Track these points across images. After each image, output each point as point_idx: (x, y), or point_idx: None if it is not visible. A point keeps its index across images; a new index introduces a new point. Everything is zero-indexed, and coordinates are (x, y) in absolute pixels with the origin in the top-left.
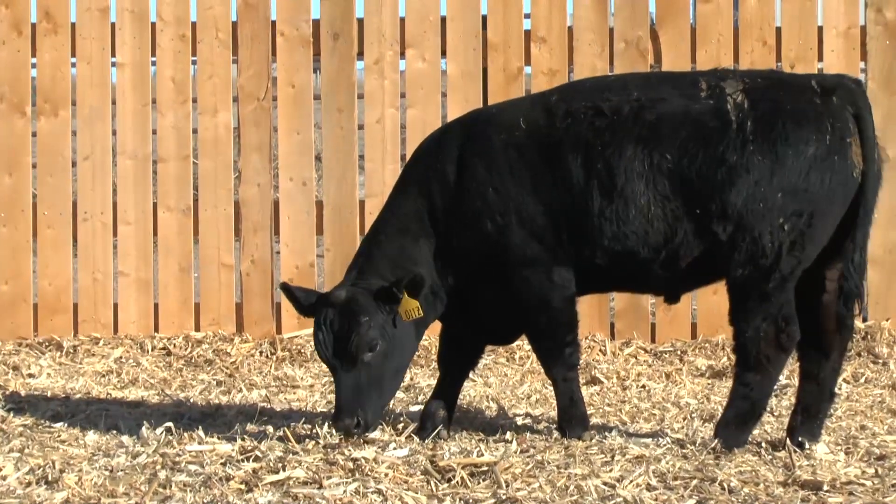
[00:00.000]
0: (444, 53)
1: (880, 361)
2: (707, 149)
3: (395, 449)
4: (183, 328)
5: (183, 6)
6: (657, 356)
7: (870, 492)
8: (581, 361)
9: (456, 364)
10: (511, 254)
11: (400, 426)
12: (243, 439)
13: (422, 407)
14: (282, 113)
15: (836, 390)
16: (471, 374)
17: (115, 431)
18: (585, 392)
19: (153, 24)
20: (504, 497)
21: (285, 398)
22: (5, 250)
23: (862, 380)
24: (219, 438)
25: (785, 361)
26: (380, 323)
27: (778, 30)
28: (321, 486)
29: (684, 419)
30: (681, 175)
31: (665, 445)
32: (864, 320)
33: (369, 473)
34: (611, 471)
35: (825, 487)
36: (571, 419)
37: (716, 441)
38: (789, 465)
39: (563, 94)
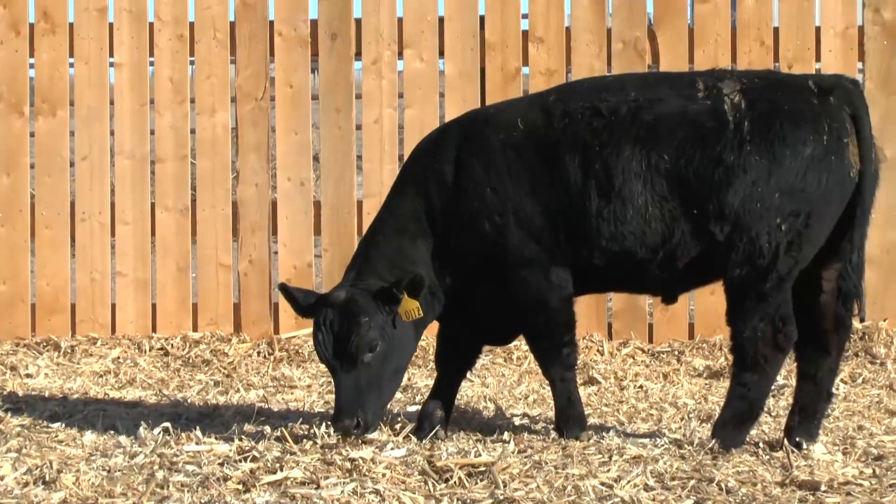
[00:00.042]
0: (441, 53)
1: (878, 362)
2: (704, 149)
3: (392, 449)
4: (181, 328)
5: (181, 6)
6: (655, 356)
7: (867, 492)
8: (578, 362)
9: (453, 364)
10: (509, 254)
11: (397, 426)
12: (241, 439)
13: (419, 407)
14: (280, 113)
15: (834, 390)
16: (468, 375)
17: (112, 432)
18: (583, 392)
19: (151, 24)
20: (501, 497)
21: (283, 398)
22: (3, 250)
23: (859, 380)
24: (216, 439)
25: (782, 361)
26: (380, 323)
27: (776, 30)
28: (319, 487)
29: (682, 419)
30: (678, 175)
31: (663, 446)
32: (862, 321)
33: (367, 473)
34: (608, 471)
35: (823, 487)
36: (569, 419)
37: (713, 441)
38: (787, 465)
39: (560, 94)
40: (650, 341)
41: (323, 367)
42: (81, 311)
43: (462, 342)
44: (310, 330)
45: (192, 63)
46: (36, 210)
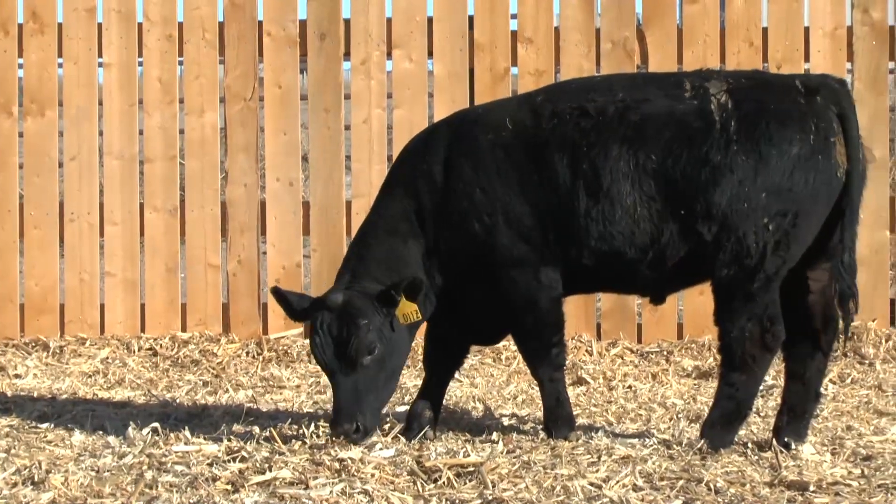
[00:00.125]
0: (430, 54)
1: (866, 362)
2: (691, 149)
3: (381, 449)
4: (169, 328)
5: (170, 6)
6: (643, 357)
7: (856, 492)
8: (567, 362)
9: (442, 364)
10: (498, 254)
11: (386, 427)
12: (230, 440)
13: (408, 407)
14: (268, 113)
15: (823, 391)
16: (457, 375)
17: (101, 432)
18: (572, 392)
19: (140, 25)
20: (490, 497)
21: (272, 399)
22: None
23: (848, 380)
24: (205, 439)
25: (770, 361)
26: (378, 326)
27: (764, 30)
28: (307, 487)
29: (670, 420)
30: (665, 175)
31: (651, 446)
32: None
33: (355, 474)
34: (597, 471)
35: (811, 488)
36: (558, 419)
37: (702, 441)
38: (775, 465)
39: (549, 94)
40: (639, 341)
41: (312, 367)
42: (70, 312)
43: (450, 342)
44: (299, 330)
45: (180, 63)
46: (24, 210)
